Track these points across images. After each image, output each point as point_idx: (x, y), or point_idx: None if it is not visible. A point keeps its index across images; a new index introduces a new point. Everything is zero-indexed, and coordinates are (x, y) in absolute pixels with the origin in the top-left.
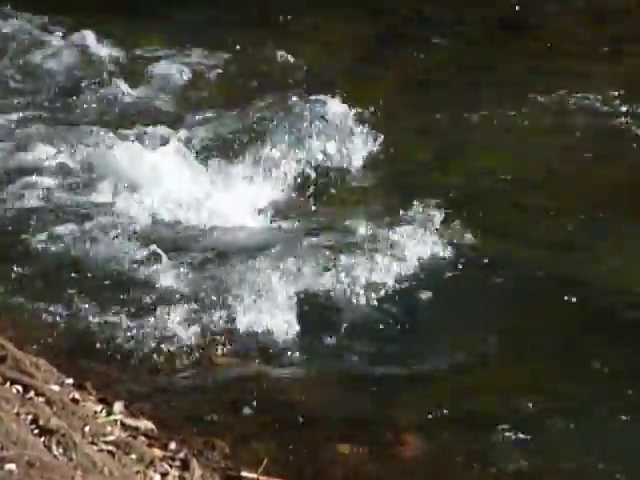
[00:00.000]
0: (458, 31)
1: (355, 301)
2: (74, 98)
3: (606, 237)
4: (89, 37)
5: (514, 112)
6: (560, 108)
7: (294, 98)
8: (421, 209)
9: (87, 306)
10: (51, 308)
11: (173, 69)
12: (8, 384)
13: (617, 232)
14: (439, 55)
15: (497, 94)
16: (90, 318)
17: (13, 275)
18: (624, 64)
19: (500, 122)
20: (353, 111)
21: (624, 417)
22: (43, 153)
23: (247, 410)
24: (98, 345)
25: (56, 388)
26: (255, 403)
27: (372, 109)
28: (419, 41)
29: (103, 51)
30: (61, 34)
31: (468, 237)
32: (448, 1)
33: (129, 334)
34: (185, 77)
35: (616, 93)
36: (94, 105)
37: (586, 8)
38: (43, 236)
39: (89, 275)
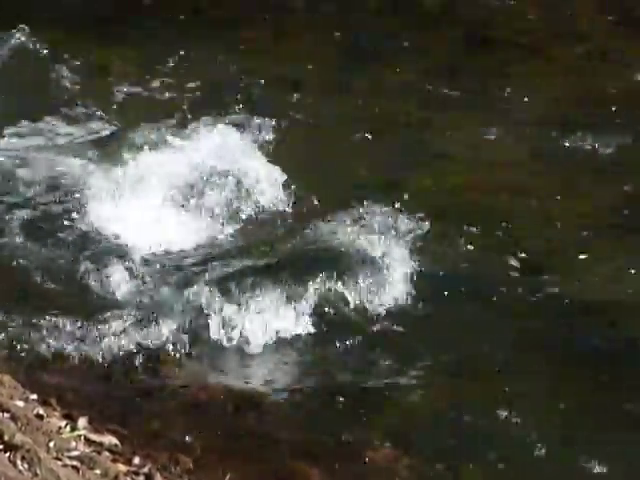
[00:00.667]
0: (425, 47)
1: (330, 317)
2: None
3: (587, 253)
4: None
5: (485, 129)
6: (529, 123)
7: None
8: (398, 225)
9: (51, 321)
10: (14, 323)
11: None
12: None
13: (599, 248)
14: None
15: (467, 110)
16: (54, 333)
17: None
18: (594, 81)
19: (473, 139)
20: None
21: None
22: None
23: (212, 425)
24: (62, 360)
25: (21, 404)
26: (221, 418)
27: (333, 124)
28: (387, 57)
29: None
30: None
31: (445, 253)
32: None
33: (93, 349)
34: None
35: (587, 109)
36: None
37: (557, 25)
38: (4, 251)
39: (51, 290)
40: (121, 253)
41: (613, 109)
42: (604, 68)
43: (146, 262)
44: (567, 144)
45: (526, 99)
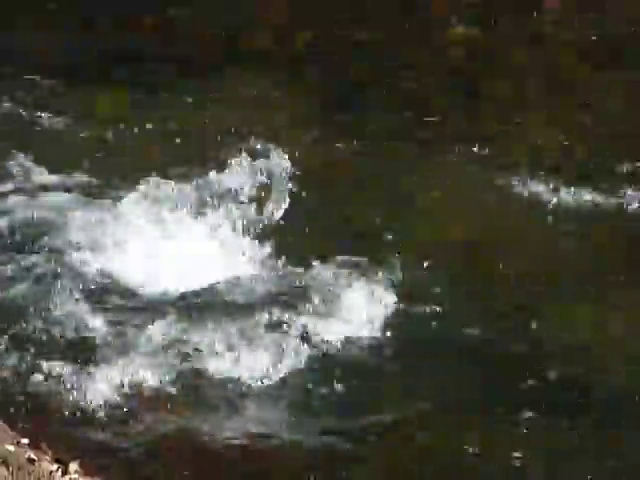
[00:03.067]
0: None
1: (314, 356)
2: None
3: (563, 301)
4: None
5: (467, 167)
6: (512, 171)
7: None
8: (376, 267)
9: (42, 365)
10: (4, 368)
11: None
12: None
13: (575, 296)
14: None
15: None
16: (45, 378)
17: None
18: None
19: (454, 178)
20: (296, 167)
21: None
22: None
23: (204, 471)
24: (53, 404)
25: (12, 448)
26: (214, 464)
27: (315, 164)
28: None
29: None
30: None
31: (420, 294)
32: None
33: (84, 394)
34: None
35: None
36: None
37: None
38: None
39: (42, 334)
40: (112, 298)
41: (597, 158)
42: (588, 115)
43: (135, 307)
44: (549, 192)
45: (509, 147)
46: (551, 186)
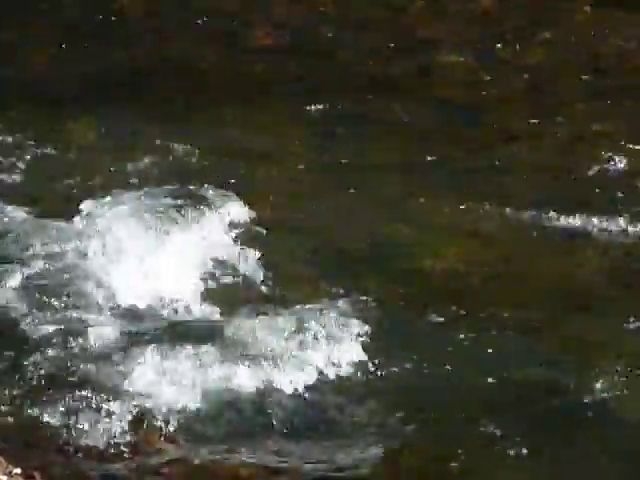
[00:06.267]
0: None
1: (293, 391)
2: None
3: (562, 332)
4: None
5: (464, 207)
6: (508, 202)
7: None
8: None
9: (35, 394)
10: None
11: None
12: None
13: (572, 327)
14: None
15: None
16: (36, 406)
17: None
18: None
19: (451, 217)
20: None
21: None
22: None
23: None
24: (45, 434)
25: (4, 478)
26: None
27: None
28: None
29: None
30: None
31: (417, 333)
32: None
33: (77, 424)
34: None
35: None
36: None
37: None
38: None
39: (33, 362)
40: (106, 327)
41: (595, 190)
42: (583, 149)
43: (129, 337)
44: (544, 223)
45: (506, 178)
46: (549, 215)
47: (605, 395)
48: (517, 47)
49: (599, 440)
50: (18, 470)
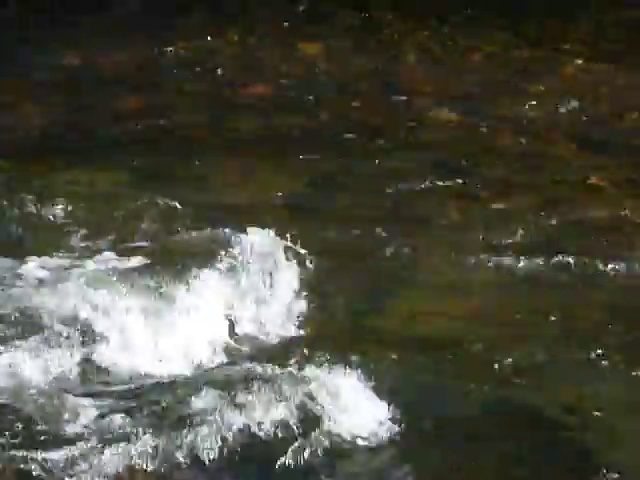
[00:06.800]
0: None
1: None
2: None
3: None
4: None
5: (457, 254)
6: (502, 250)
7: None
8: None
9: (21, 450)
10: None
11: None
12: None
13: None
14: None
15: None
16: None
17: None
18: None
19: (444, 265)
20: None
21: None
22: None
23: None
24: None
25: None
26: None
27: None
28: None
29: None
30: None
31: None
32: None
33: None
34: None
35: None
36: None
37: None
38: None
39: (22, 414)
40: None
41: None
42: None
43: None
44: (541, 270)
45: (500, 226)
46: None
47: None
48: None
49: None
50: None
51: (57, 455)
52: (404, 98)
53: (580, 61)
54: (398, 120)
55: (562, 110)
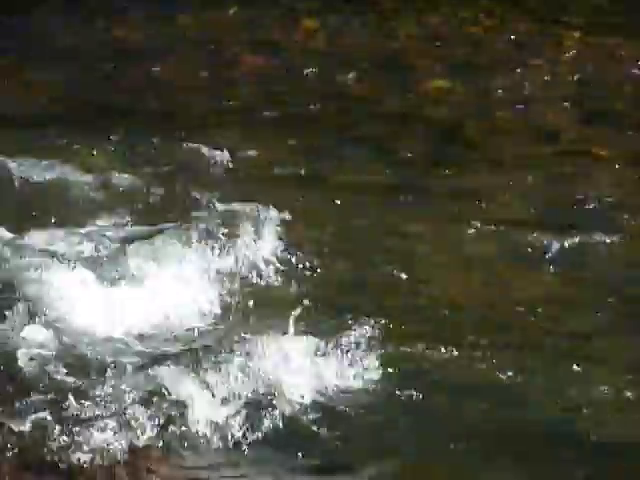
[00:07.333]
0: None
1: (305, 413)
2: None
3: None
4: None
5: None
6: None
7: None
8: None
9: (29, 414)
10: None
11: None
12: None
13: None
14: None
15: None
16: (33, 427)
17: None
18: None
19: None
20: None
21: None
22: None
23: None
24: (43, 455)
25: None
26: None
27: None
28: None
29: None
30: None
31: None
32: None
33: (72, 442)
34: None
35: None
36: None
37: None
38: None
39: (30, 381)
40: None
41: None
42: (574, 168)
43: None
44: (543, 245)
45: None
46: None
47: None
48: None
49: None
50: None
51: (60, 422)
52: (404, 70)
53: (578, 34)
54: (397, 92)
55: (562, 82)
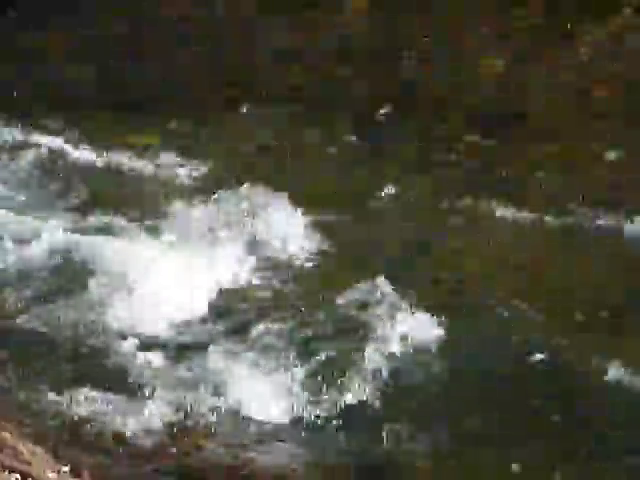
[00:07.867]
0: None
1: (341, 389)
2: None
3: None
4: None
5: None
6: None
7: None
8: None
9: (83, 395)
10: (47, 395)
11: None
12: (6, 472)
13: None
14: None
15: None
16: (85, 406)
17: (6, 359)
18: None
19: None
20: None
21: None
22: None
23: None
24: (93, 433)
25: (53, 476)
26: None
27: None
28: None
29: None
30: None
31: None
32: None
33: (126, 422)
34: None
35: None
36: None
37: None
38: (34, 324)
39: (82, 363)
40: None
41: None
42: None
43: (169, 338)
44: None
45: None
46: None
47: None
48: None
49: None
50: (66, 468)
51: (108, 401)
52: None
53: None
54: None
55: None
